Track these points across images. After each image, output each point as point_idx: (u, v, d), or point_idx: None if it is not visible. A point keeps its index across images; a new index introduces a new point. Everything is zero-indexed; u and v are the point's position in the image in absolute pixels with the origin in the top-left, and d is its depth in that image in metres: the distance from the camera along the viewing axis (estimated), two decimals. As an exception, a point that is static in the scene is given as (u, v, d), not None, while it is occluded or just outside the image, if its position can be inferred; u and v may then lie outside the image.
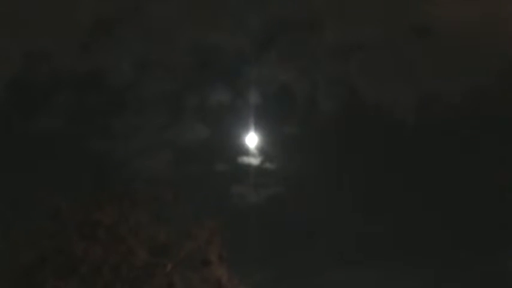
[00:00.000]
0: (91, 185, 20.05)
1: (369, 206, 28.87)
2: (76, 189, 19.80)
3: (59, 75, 28.62)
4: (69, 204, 19.24)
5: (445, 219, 27.96)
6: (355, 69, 31.67)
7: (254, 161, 28.98)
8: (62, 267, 18.22)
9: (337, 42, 31.27)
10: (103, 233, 18.85)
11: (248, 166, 28.87)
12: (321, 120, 30.98)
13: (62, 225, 19.11)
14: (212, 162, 29.48)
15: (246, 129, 29.19)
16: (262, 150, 29.04)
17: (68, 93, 29.00)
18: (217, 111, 30.98)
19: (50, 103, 28.90)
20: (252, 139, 28.96)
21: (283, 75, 31.53)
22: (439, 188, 28.73)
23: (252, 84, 30.45)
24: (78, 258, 18.26)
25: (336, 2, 30.16)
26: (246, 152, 28.87)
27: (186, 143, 30.01)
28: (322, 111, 31.25)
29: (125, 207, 19.41)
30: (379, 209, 28.46)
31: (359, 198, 29.27)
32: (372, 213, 28.67)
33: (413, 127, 30.07)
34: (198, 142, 30.01)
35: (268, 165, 29.33)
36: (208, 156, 29.56)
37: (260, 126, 29.22)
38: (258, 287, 19.76)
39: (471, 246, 26.68)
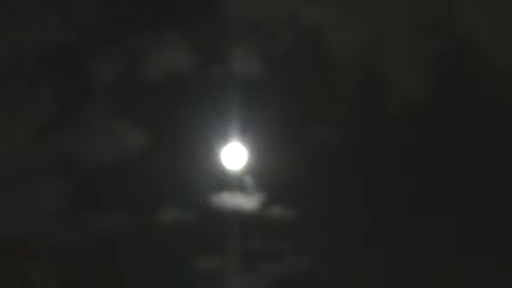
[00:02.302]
0: None
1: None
2: None
3: None
4: None
5: None
6: (464, 7, 17.14)
7: (246, 202, 16.45)
8: None
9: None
10: None
11: (233, 214, 16.38)
12: (391, 110, 17.24)
13: None
14: (156, 204, 16.92)
15: (224, 133, 16.57)
16: (263, 180, 16.54)
17: None
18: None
19: None
20: (237, 154, 16.58)
21: (307, 17, 17.44)
22: None
23: (239, 39, 17.44)
24: None
25: None
26: (227, 182, 16.55)
27: (97, 163, 17.02)
28: (394, 93, 17.03)
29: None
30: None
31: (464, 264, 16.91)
32: None
33: None
34: (127, 162, 17.00)
35: (277, 211, 16.57)
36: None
37: (256, 128, 16.61)
38: None
39: None
